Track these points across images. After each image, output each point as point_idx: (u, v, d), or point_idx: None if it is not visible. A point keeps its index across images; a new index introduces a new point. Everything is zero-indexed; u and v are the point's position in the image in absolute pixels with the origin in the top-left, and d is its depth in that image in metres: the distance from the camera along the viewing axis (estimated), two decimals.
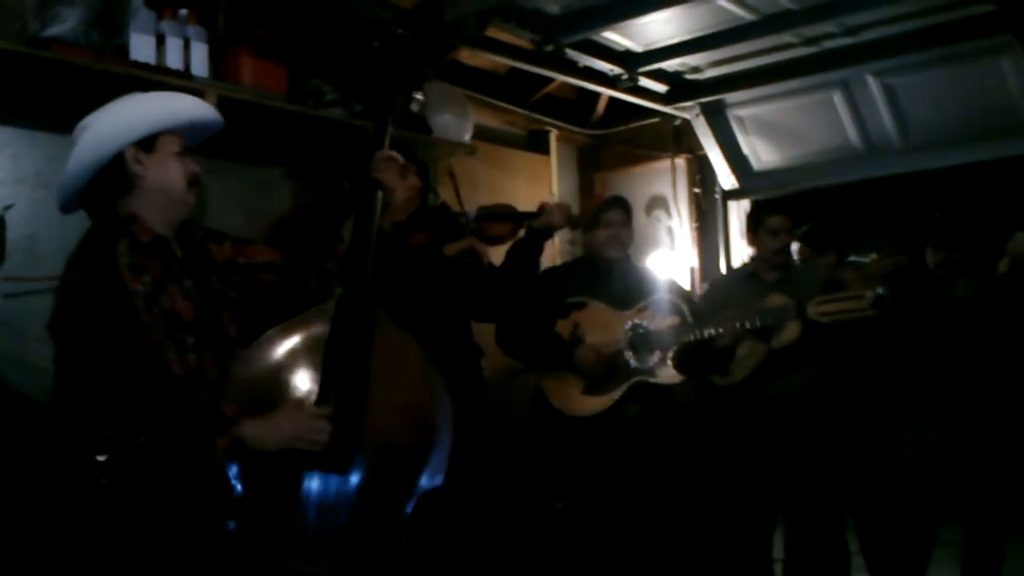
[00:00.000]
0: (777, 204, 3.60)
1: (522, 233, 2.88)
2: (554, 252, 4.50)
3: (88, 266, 1.81)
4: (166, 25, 2.75)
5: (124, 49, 2.64)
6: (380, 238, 2.07)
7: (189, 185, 1.97)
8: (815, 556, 3.11)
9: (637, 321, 3.00)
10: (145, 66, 2.65)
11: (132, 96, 1.97)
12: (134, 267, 1.83)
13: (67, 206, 1.97)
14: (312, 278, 2.17)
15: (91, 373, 1.74)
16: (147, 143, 1.92)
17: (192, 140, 2.04)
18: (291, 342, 1.96)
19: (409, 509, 1.94)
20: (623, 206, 3.23)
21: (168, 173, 1.94)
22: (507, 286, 2.83)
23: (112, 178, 1.89)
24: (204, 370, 1.90)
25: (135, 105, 1.96)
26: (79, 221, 1.94)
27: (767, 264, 3.26)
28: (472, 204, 2.85)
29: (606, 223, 3.16)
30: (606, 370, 2.98)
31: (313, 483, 1.87)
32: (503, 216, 2.88)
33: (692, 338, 2.93)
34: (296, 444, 1.82)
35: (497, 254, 2.90)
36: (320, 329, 1.96)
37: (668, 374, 2.96)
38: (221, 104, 2.63)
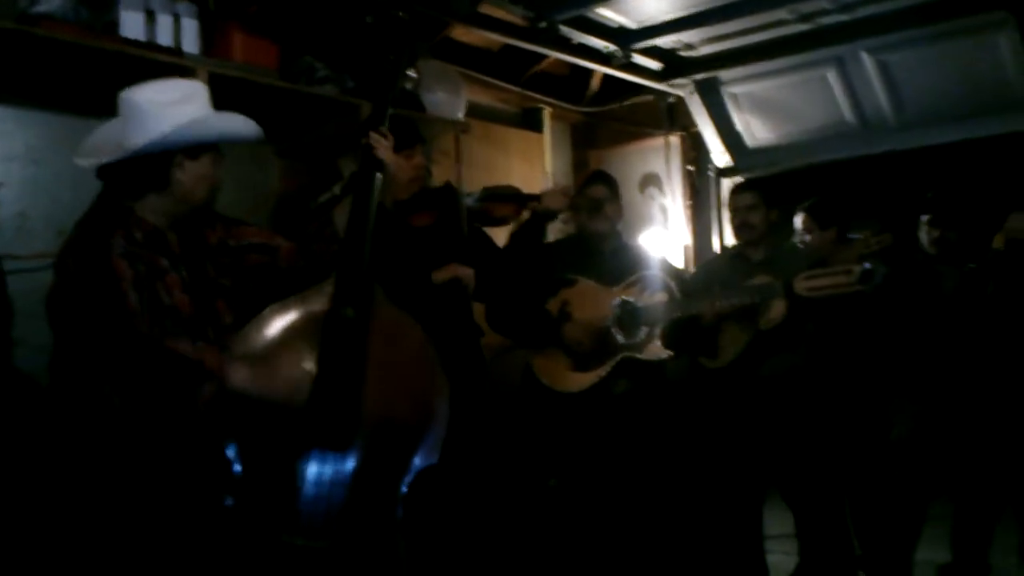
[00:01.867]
0: (753, 183, 3.59)
1: (525, 214, 2.90)
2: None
3: (81, 253, 1.83)
4: (156, 1, 2.73)
5: (114, 26, 2.63)
6: (381, 216, 2.08)
7: (210, 195, 2.01)
8: (821, 533, 3.14)
9: (625, 297, 3.01)
10: (135, 43, 2.63)
11: (193, 91, 1.96)
12: (128, 256, 1.84)
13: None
14: (301, 259, 2.18)
15: (85, 350, 1.76)
16: (194, 151, 1.93)
17: None
18: (289, 320, 1.96)
19: (405, 487, 1.96)
20: (606, 180, 3.23)
21: (198, 186, 1.97)
22: (510, 268, 2.87)
23: (151, 172, 1.91)
24: None
25: (202, 111, 1.95)
26: (70, 198, 1.96)
27: (746, 242, 3.28)
28: (465, 183, 2.85)
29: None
30: (594, 346, 3.00)
31: (310, 461, 1.88)
32: (507, 197, 2.88)
33: (679, 314, 2.94)
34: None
35: (498, 234, 2.92)
36: (318, 308, 1.96)
37: (655, 350, 2.97)
38: (212, 81, 2.62)
